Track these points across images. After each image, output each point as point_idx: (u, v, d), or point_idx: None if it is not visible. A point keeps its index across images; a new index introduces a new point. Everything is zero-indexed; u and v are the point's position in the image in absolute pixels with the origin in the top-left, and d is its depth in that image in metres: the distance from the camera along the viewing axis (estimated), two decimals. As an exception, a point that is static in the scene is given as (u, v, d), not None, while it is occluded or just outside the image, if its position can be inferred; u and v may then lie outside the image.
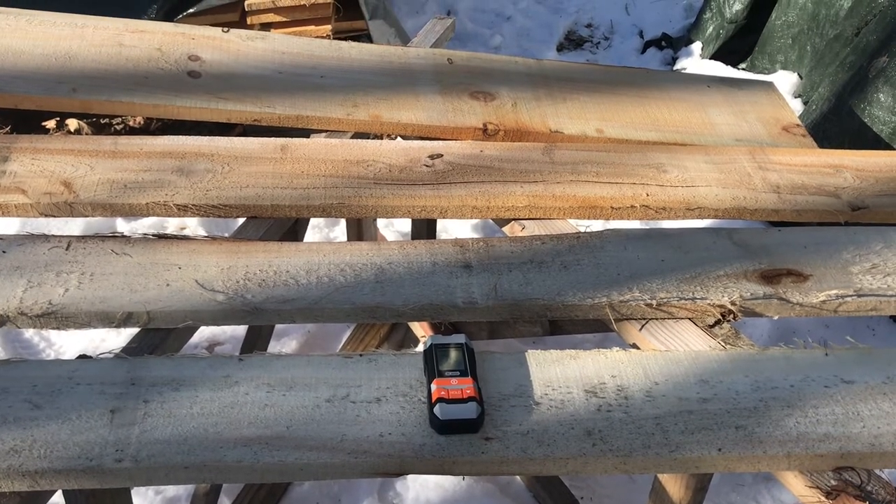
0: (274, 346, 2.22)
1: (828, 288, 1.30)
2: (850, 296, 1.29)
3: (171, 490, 1.91)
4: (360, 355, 1.14)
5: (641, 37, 4.22)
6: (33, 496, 1.03)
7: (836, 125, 2.59)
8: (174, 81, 1.64)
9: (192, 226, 2.62)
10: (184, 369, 1.10)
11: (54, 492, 1.06)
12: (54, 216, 1.39)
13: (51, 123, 2.96)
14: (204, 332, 2.30)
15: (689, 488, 1.31)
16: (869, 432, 1.05)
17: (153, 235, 1.34)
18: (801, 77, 3.28)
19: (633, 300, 1.26)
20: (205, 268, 1.27)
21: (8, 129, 2.90)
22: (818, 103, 2.78)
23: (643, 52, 4.10)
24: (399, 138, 1.74)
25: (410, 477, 1.93)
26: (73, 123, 2.98)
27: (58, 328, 1.19)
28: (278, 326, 2.24)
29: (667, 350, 1.19)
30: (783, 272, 1.33)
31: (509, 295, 1.26)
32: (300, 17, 3.05)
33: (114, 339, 2.21)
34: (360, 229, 2.14)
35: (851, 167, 1.63)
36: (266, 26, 3.01)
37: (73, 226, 2.49)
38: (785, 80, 3.27)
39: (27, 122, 2.86)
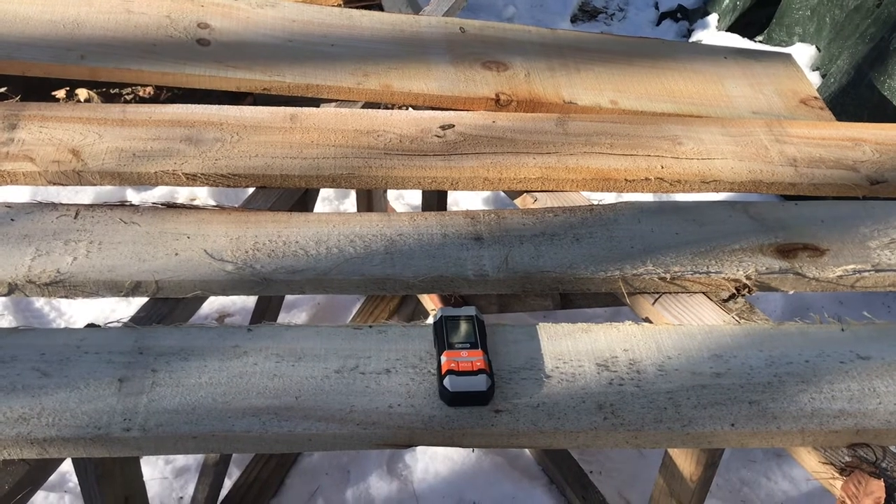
0: (284, 318, 2.22)
1: (845, 263, 1.28)
2: (868, 271, 1.26)
3: (180, 459, 1.92)
4: (370, 326, 1.13)
5: (657, 8, 4.16)
6: (42, 464, 1.03)
7: (854, 98, 2.55)
8: (183, 49, 1.62)
9: (203, 197, 2.61)
10: (192, 339, 1.10)
11: (62, 460, 1.06)
12: (62, 184, 1.38)
13: (61, 93, 2.94)
14: (214, 304, 2.30)
15: (699, 464, 1.30)
16: (885, 409, 1.04)
17: (162, 205, 1.33)
18: (819, 49, 3.23)
19: (646, 273, 1.24)
20: (213, 237, 1.26)
21: (17, 98, 2.89)
22: (837, 76, 2.73)
23: (658, 23, 4.05)
24: (410, 108, 1.72)
25: (419, 449, 1.94)
26: (83, 93, 2.96)
27: (66, 297, 1.19)
28: (288, 298, 2.23)
29: (680, 324, 1.18)
30: (799, 246, 1.31)
31: (521, 267, 1.25)
32: (311, -14, 3.01)
33: (124, 310, 2.21)
34: (370, 201, 2.12)
35: (871, 140, 1.60)
36: (276, -5, 2.97)
37: (84, 195, 2.49)
38: (803, 53, 3.21)
39: (37, 91, 2.85)
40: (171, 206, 1.33)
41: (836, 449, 1.04)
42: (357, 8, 1.90)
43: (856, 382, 1.07)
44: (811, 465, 1.05)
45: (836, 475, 1.01)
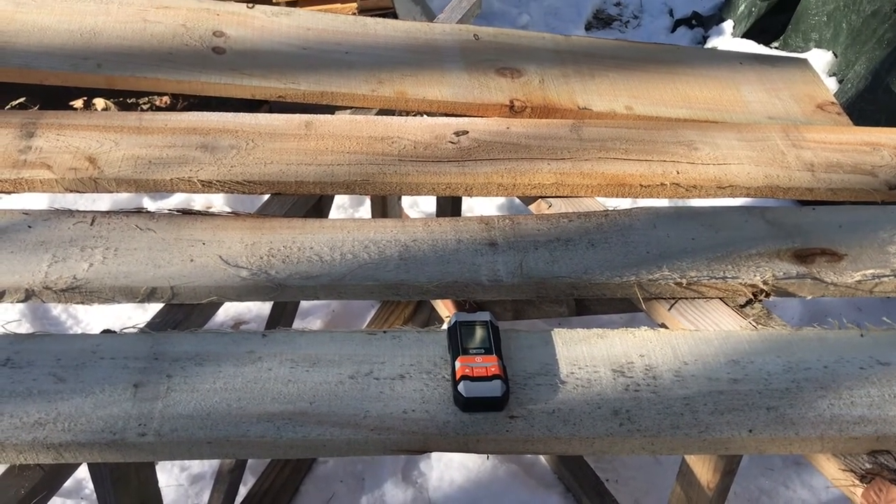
0: (298, 325, 2.22)
1: (863, 268, 1.26)
2: (887, 276, 1.25)
3: (196, 467, 1.92)
4: (384, 332, 1.13)
5: (671, 15, 4.15)
6: (57, 469, 1.04)
7: (872, 103, 2.53)
8: (199, 58, 1.63)
9: (218, 205, 2.62)
10: (207, 344, 1.10)
11: (78, 466, 1.06)
12: (79, 192, 1.39)
13: (78, 103, 2.97)
14: (229, 311, 2.31)
15: (717, 471, 1.29)
16: (906, 415, 1.02)
17: (177, 211, 1.33)
18: (835, 55, 3.21)
19: (662, 279, 1.23)
20: (229, 244, 1.27)
21: (36, 108, 2.92)
22: (854, 81, 2.71)
23: (673, 30, 4.04)
24: (424, 115, 1.72)
25: (434, 456, 1.93)
26: (100, 103, 2.99)
27: (82, 303, 1.19)
28: (303, 305, 2.24)
29: (696, 330, 1.17)
30: (817, 251, 1.30)
31: (535, 273, 1.24)
32: (326, -5, 3.03)
33: (140, 317, 2.22)
34: (384, 208, 2.12)
35: (889, 145, 1.58)
36: (291, 2, 2.99)
37: (101, 203, 2.51)
38: (819, 59, 3.19)
39: (54, 102, 2.87)
40: (186, 213, 1.33)
41: (856, 456, 1.02)
42: (371, 16, 1.91)
43: (876, 388, 1.06)
44: (830, 473, 1.04)
45: (856, 482, 1.00)
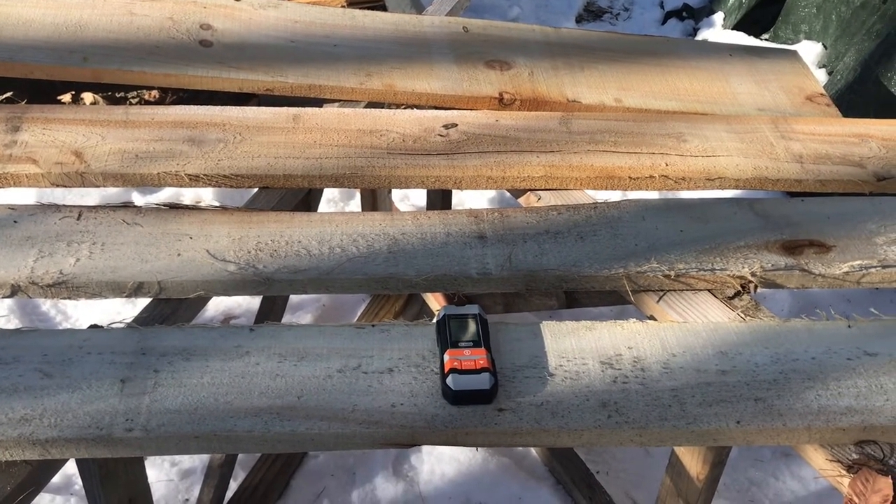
0: (288, 320, 2.21)
1: (851, 259, 1.27)
2: (875, 267, 1.25)
3: (186, 462, 1.91)
4: (373, 326, 1.12)
5: (662, 7, 4.15)
6: (44, 465, 1.03)
7: (861, 95, 2.53)
8: (186, 51, 1.62)
9: (207, 199, 2.61)
10: (195, 339, 1.09)
11: (65, 461, 1.06)
12: (66, 186, 1.38)
13: (66, 97, 2.95)
14: (219, 306, 2.30)
15: (706, 462, 1.29)
16: (892, 405, 1.03)
17: (164, 206, 1.33)
18: (825, 47, 3.21)
19: (650, 271, 1.23)
20: (216, 238, 1.26)
21: (23, 102, 2.90)
22: (843, 73, 2.72)
23: (664, 22, 4.04)
24: (413, 108, 1.71)
25: (425, 450, 1.93)
26: (88, 97, 2.97)
27: (69, 298, 1.19)
28: (292, 300, 2.23)
29: (685, 322, 1.17)
30: (805, 243, 1.30)
31: (524, 265, 1.24)
32: (315, -12, 3.01)
33: (128, 312, 2.21)
34: (374, 203, 2.12)
35: (877, 136, 1.59)
36: (280, -3, 2.97)
37: (89, 199, 2.49)
38: (809, 51, 3.20)
39: (42, 96, 2.85)
40: (173, 207, 1.32)
41: (844, 446, 1.03)
42: (360, 8, 1.90)
43: (863, 379, 1.06)
44: (818, 463, 1.04)
45: (844, 473, 1.00)
